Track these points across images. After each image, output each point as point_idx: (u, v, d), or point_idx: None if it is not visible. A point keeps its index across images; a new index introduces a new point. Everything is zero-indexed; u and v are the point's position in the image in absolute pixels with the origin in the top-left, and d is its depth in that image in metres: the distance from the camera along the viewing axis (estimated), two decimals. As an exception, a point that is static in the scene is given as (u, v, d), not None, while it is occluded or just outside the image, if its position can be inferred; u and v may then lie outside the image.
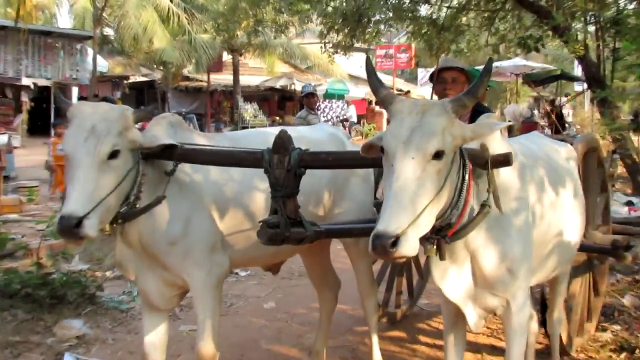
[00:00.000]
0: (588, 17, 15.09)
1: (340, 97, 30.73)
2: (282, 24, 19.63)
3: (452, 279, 3.33)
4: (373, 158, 4.01)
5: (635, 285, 7.41)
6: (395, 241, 2.64)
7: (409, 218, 2.70)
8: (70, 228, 3.10)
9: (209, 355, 3.92)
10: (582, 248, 4.70)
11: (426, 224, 2.80)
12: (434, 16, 17.85)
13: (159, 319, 4.10)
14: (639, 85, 12.87)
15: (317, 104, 12.53)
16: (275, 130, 4.40)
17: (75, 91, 19.62)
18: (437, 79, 5.47)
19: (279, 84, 29.95)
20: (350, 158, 4.46)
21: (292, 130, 4.38)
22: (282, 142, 3.75)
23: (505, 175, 3.42)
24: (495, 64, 19.47)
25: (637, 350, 5.64)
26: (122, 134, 3.47)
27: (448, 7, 17.41)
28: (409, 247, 2.67)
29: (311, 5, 17.61)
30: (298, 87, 30.59)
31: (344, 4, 16.78)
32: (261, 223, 3.80)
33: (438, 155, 2.77)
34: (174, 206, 3.82)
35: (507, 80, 25.29)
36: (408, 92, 37.91)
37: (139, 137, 3.57)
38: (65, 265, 6.62)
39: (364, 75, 28.83)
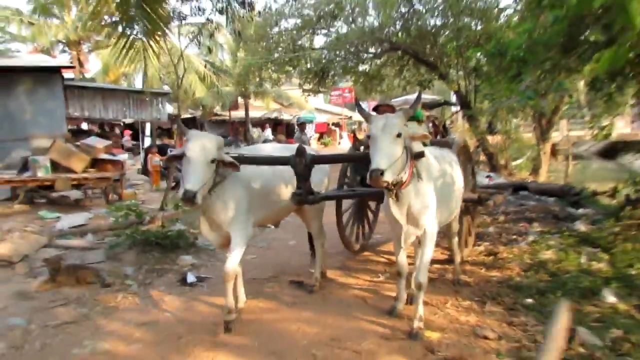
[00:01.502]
0: (459, 67, 15.74)
1: (310, 122, 30.83)
2: (275, 79, 19.86)
3: (400, 215, 3.69)
4: (350, 156, 5.36)
5: (496, 221, 7.73)
6: (382, 173, 3.15)
7: (388, 163, 3.21)
8: (191, 197, 3.46)
9: (231, 272, 3.97)
10: (464, 200, 5.02)
11: (394, 170, 3.29)
12: (367, 70, 18.31)
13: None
14: (491, 106, 13.39)
15: (306, 129, 12.95)
16: (279, 146, 5.13)
17: (148, 125, 19.37)
18: (376, 111, 5.44)
19: (273, 115, 29.81)
20: (338, 158, 5.24)
21: (279, 147, 4.99)
22: (301, 151, 4.17)
23: (431, 161, 3.97)
24: (404, 98, 19.89)
25: (497, 254, 5.97)
26: (218, 149, 3.78)
27: (375, 64, 17.91)
28: (389, 177, 3.21)
29: (293, 67, 18.02)
30: (284, 117, 30.63)
31: (314, 66, 17.23)
32: (292, 194, 4.27)
33: (399, 135, 3.32)
34: (231, 192, 3.99)
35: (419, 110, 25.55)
36: (351, 117, 38.19)
37: (225, 156, 3.87)
38: (174, 227, 6.83)
39: (324, 107, 28.85)
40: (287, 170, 4.34)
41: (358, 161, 5.25)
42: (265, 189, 4.34)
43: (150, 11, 6.69)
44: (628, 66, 6.51)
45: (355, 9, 15.83)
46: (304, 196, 4.23)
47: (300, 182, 4.26)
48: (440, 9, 14.50)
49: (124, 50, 6.90)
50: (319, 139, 31.61)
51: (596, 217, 7.54)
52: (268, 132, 28.18)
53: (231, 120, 29.06)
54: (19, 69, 11.24)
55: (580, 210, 8.03)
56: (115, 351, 3.73)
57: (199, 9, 9.28)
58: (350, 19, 16.18)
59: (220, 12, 9.75)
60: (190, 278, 5.29)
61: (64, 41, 23.13)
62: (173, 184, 10.46)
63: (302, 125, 11.24)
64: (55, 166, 8.80)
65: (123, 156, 11.72)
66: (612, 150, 18.64)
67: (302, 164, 4.19)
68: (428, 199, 3.79)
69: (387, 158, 3.24)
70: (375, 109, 5.69)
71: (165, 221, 6.72)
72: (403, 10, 14.97)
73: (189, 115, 27.35)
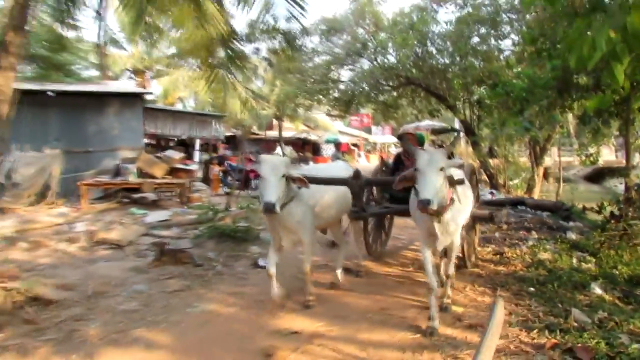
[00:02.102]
0: (464, 99, 16.27)
1: (334, 142, 31.49)
2: (307, 105, 20.60)
3: (439, 231, 3.75)
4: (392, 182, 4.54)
5: (500, 229, 8.03)
6: (429, 203, 3.27)
7: (434, 194, 3.31)
8: (271, 208, 3.64)
9: (309, 270, 4.34)
10: (477, 216, 5.29)
11: (439, 200, 3.41)
12: (385, 100, 18.96)
13: (277, 255, 4.33)
14: (492, 134, 13.85)
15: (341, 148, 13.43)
16: (336, 165, 5.38)
17: (197, 142, 19.79)
18: (402, 138, 5.67)
19: (302, 136, 30.35)
20: (388, 182, 4.99)
21: (327, 165, 5.30)
22: (357, 173, 4.44)
23: (465, 185, 4.11)
24: (415, 124, 20.31)
25: (503, 254, 6.33)
26: (286, 168, 3.91)
27: (392, 95, 18.54)
28: (435, 206, 3.36)
29: (323, 96, 18.73)
30: (312, 137, 31.04)
31: (341, 95, 17.94)
32: (350, 210, 4.62)
33: (442, 169, 3.42)
34: (299, 206, 4.12)
35: (422, 132, 25.92)
36: (367, 139, 38.73)
37: (292, 171, 4.00)
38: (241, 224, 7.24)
39: (345, 130, 29.23)
40: (339, 189, 4.58)
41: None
42: (322, 204, 4.47)
43: (230, 53, 7.36)
44: (613, 106, 7.05)
45: (377, 49, 16.52)
46: (360, 211, 4.54)
47: (355, 200, 4.52)
48: (449, 50, 15.11)
49: (210, 83, 7.54)
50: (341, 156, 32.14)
51: (584, 229, 7.99)
52: (278, 149, 28.83)
53: (266, 139, 29.75)
54: (110, 94, 12.16)
55: (571, 223, 8.47)
56: (218, 311, 4.34)
57: (257, 49, 10.10)
58: (373, 56, 16.89)
59: (274, 52, 10.58)
60: (262, 262, 5.77)
61: (131, 69, 24.25)
62: (229, 191, 11.15)
63: (338, 145, 11.90)
64: (141, 172, 9.56)
65: (194, 166, 12.46)
66: (598, 175, 18.91)
67: (358, 185, 4.42)
68: (461, 218, 4.00)
69: (433, 190, 3.30)
70: (399, 137, 5.91)
71: (235, 219, 7.30)
72: (417, 50, 15.58)
73: (231, 133, 28.14)
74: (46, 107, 11.20)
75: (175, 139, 24.21)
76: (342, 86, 18.14)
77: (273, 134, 29.47)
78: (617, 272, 5.41)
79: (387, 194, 5.71)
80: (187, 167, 10.71)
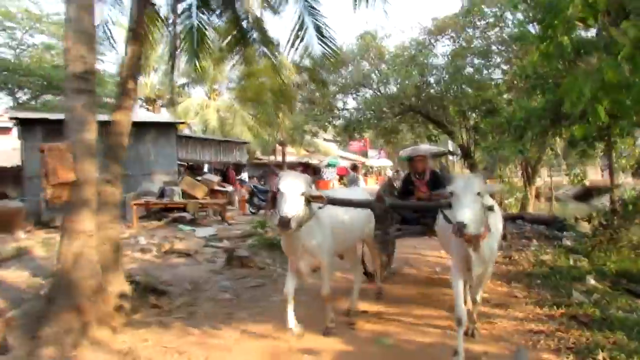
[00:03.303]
0: (461, 125, 17.57)
1: (333, 166, 32.73)
2: (314, 132, 21.82)
3: (476, 259, 3.59)
4: (423, 205, 5.21)
5: (504, 239, 9.05)
6: (465, 226, 3.12)
7: (470, 217, 3.19)
8: (286, 222, 3.49)
9: (328, 293, 4.22)
10: None
11: (475, 225, 3.26)
12: (386, 125, 20.21)
13: (294, 279, 4.24)
14: (489, 157, 15.00)
15: (360, 170, 14.28)
16: (355, 190, 5.54)
17: (206, 166, 20.61)
18: (412, 160, 5.91)
19: (303, 160, 31.34)
20: (412, 206, 5.48)
21: (348, 190, 5.71)
22: (381, 196, 4.50)
23: (496, 210, 3.89)
24: (412, 147, 21.44)
25: (511, 257, 7.34)
26: (306, 186, 3.79)
27: (393, 121, 19.79)
28: (472, 230, 3.21)
29: (329, 123, 19.93)
30: (312, 161, 32.10)
31: (346, 122, 19.16)
32: (374, 234, 4.63)
33: (479, 194, 3.32)
34: (318, 227, 3.99)
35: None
36: (364, 162, 39.92)
37: (313, 190, 3.95)
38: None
39: (344, 154, 30.28)
40: (359, 213, 4.54)
41: (425, 210, 5.29)
42: (343, 227, 4.39)
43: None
44: (597, 131, 8.34)
45: (380, 80, 17.88)
46: (384, 234, 4.62)
47: (379, 223, 4.55)
48: (445, 79, 16.44)
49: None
50: (340, 180, 33.30)
51: (576, 238, 9.14)
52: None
53: (268, 163, 30.70)
54: (147, 123, 13.34)
55: (565, 233, 9.65)
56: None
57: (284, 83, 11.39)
58: (376, 86, 18.27)
59: (298, 87, 11.87)
60: (311, 267, 6.89)
61: (142, 98, 25.49)
62: (255, 211, 12.27)
63: (355, 168, 13.07)
64: (184, 194, 10.66)
65: (230, 188, 13.57)
66: (586, 194, 20.21)
67: (382, 207, 4.36)
68: (496, 245, 3.85)
69: (469, 213, 3.17)
70: (409, 159, 6.08)
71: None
72: (416, 80, 16.90)
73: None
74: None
75: (186, 164, 25.39)
76: (347, 114, 19.45)
77: (276, 158, 30.48)
78: (606, 269, 6.52)
79: (398, 215, 5.75)
80: (224, 189, 11.82)
